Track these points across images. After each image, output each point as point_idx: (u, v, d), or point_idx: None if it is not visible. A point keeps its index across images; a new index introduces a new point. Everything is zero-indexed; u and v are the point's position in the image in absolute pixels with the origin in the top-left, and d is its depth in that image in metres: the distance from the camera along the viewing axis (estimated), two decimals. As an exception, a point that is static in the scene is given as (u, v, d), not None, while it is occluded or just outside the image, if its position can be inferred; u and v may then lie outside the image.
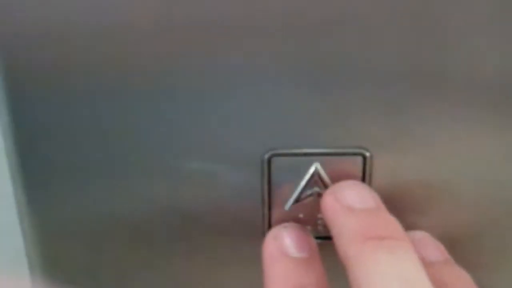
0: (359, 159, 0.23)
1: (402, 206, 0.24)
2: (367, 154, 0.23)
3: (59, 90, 0.22)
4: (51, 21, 0.21)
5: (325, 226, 0.23)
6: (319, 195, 0.23)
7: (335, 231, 0.21)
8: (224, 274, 0.25)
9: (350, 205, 0.21)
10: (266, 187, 0.23)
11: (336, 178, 0.23)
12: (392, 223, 0.21)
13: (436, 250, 0.24)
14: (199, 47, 0.21)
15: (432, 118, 0.22)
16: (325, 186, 0.23)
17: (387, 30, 0.21)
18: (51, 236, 0.25)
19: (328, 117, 0.22)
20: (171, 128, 0.22)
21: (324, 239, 0.24)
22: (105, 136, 0.23)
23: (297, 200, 0.23)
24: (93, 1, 0.20)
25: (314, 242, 0.23)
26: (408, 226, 0.23)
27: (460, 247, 0.25)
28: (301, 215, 0.24)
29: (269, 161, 0.23)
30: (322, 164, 0.23)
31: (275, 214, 0.24)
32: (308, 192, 0.23)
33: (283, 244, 0.22)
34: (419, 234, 0.24)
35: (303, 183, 0.23)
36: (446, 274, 0.22)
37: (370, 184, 0.23)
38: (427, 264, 0.22)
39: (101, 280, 0.26)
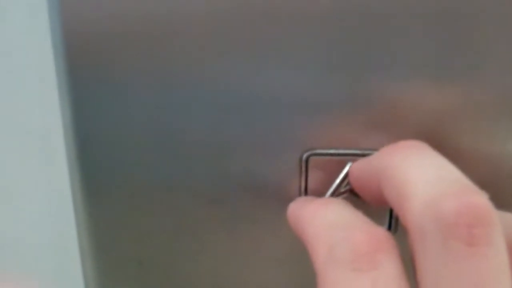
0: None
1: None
2: (398, 155, 0.25)
3: (121, 95, 0.25)
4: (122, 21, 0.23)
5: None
6: (352, 192, 0.25)
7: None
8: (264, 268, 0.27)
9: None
10: (303, 184, 0.25)
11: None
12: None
13: None
14: (246, 48, 0.24)
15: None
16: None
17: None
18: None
19: (362, 120, 0.24)
20: (219, 129, 0.25)
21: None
22: (158, 136, 0.25)
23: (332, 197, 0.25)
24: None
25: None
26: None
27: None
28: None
29: (307, 160, 0.25)
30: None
31: (311, 209, 0.26)
32: (342, 189, 0.25)
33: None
34: None
35: (337, 181, 0.25)
36: None
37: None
38: None
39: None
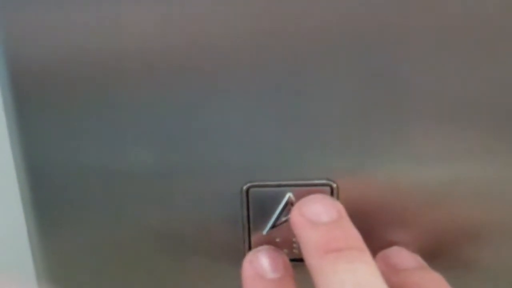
0: (327, 190, 0.26)
1: (368, 233, 0.26)
2: (334, 185, 0.26)
3: (68, 131, 0.26)
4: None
5: (300, 249, 0.25)
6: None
7: (301, 245, 0.23)
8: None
9: (313, 219, 0.23)
10: (245, 214, 0.26)
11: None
12: (352, 235, 0.23)
13: (410, 258, 0.26)
14: (188, 83, 0.25)
15: (393, 149, 0.25)
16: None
17: (339, 68, 0.24)
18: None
19: (300, 153, 0.26)
20: (162, 161, 0.26)
21: (299, 261, 0.26)
22: (104, 168, 0.26)
23: (273, 226, 0.26)
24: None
25: (287, 261, 0.26)
26: (375, 251, 0.26)
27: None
28: (278, 239, 0.27)
29: (247, 191, 0.26)
30: (295, 194, 0.26)
31: (255, 238, 0.27)
32: (283, 218, 0.26)
33: (258, 267, 0.25)
34: (395, 248, 0.27)
35: (278, 210, 0.26)
36: (418, 277, 0.24)
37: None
38: (399, 270, 0.25)
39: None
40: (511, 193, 0.26)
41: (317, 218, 0.23)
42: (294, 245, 0.27)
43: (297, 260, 0.26)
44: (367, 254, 0.22)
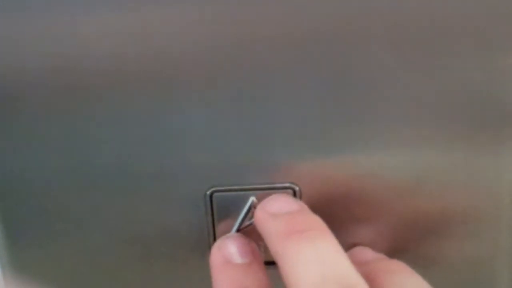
0: (290, 192, 0.26)
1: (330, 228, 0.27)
2: (297, 188, 0.26)
3: (27, 130, 0.25)
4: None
5: (266, 251, 0.25)
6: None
7: (265, 238, 0.23)
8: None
9: (275, 212, 0.23)
10: (210, 219, 0.26)
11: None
12: (313, 219, 0.23)
13: (374, 255, 0.26)
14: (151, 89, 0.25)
15: (356, 151, 0.26)
16: (262, 217, 0.26)
17: (304, 72, 0.24)
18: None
19: (263, 157, 0.26)
20: (125, 166, 0.26)
21: (266, 264, 0.27)
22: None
23: (238, 230, 0.26)
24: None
25: (255, 247, 0.25)
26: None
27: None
28: (244, 242, 0.27)
29: (211, 196, 0.26)
30: (258, 198, 0.26)
31: (220, 243, 0.27)
32: (248, 222, 0.26)
33: (227, 253, 0.25)
34: (358, 247, 0.27)
35: (242, 214, 0.26)
36: (383, 264, 0.25)
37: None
38: (363, 263, 0.25)
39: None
40: (474, 185, 0.26)
41: (279, 210, 0.24)
42: (260, 248, 0.27)
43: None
44: (329, 234, 0.22)
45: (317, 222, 0.23)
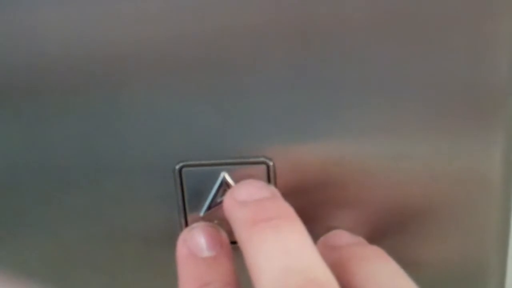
0: (263, 168, 0.25)
1: (306, 211, 0.25)
2: (270, 163, 0.25)
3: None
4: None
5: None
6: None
7: (232, 226, 0.22)
8: (146, 279, 0.27)
9: (244, 199, 0.22)
10: (180, 195, 0.25)
11: (244, 185, 0.25)
12: (283, 206, 0.22)
13: (351, 237, 0.25)
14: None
15: (328, 121, 0.24)
16: (234, 194, 0.25)
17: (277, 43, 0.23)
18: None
19: (235, 131, 0.24)
20: (91, 143, 0.25)
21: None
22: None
23: (209, 207, 0.25)
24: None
25: (224, 237, 0.24)
26: (315, 234, 0.25)
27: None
28: (215, 221, 0.26)
29: (180, 171, 0.25)
30: (230, 173, 0.25)
31: (191, 220, 0.26)
32: (219, 199, 0.25)
33: (192, 245, 0.24)
34: (335, 231, 0.26)
35: (213, 191, 0.25)
36: (358, 251, 0.23)
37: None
38: (337, 247, 0.24)
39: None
40: (458, 174, 0.25)
41: (248, 198, 0.22)
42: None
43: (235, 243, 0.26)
44: (298, 223, 0.21)
45: (286, 210, 0.22)
